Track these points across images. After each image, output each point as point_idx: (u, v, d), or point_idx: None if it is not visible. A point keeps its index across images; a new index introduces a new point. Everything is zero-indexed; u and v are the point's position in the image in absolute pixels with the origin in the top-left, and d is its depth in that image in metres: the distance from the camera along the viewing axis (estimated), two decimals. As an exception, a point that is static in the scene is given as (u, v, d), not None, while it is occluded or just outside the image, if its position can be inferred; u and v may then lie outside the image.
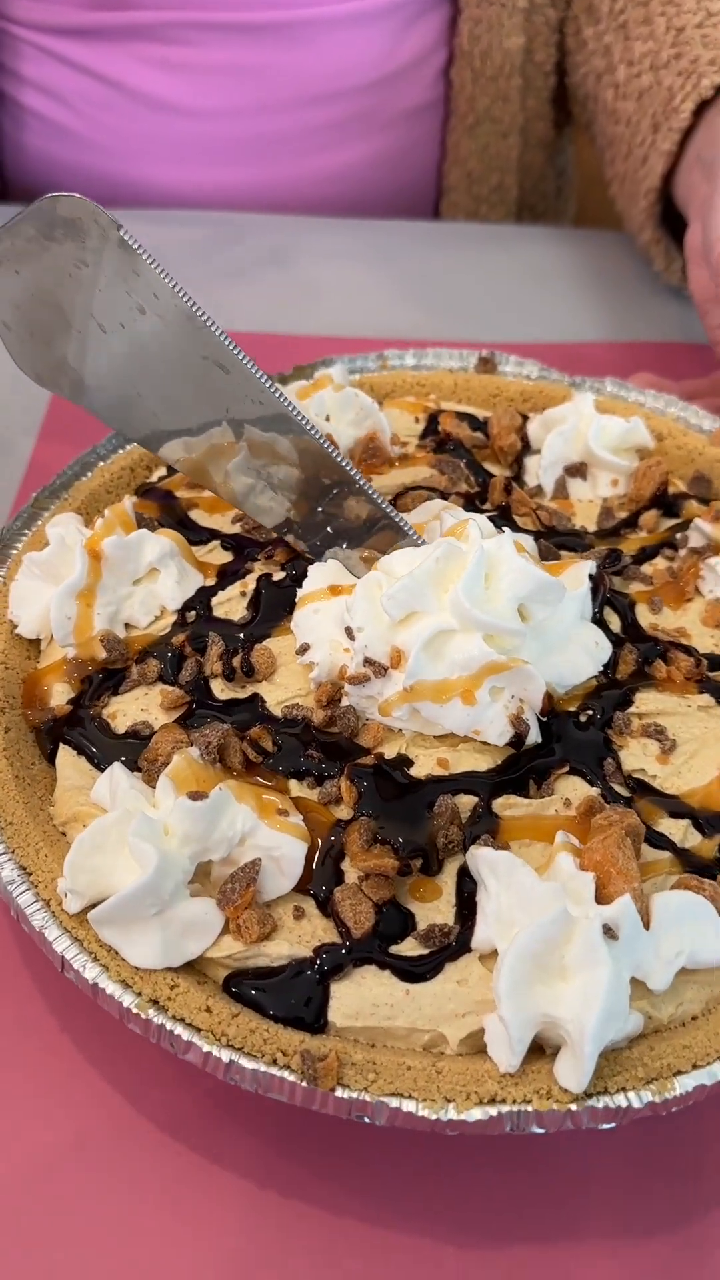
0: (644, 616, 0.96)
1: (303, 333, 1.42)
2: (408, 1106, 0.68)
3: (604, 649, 0.89)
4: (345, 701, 0.85)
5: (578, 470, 1.08)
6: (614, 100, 1.41)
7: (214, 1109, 0.76)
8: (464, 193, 1.67)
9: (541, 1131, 0.68)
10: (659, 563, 1.01)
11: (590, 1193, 0.75)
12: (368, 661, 0.84)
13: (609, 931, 0.70)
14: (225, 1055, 0.69)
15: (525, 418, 1.14)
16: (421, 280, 1.53)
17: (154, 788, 0.80)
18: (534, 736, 0.84)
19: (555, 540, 1.01)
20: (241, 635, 0.91)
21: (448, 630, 0.83)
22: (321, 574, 0.91)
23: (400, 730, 0.85)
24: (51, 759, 0.88)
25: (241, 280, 1.52)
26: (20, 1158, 0.75)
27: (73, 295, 0.88)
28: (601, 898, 0.72)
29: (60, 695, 0.90)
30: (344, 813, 0.81)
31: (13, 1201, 0.73)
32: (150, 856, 0.72)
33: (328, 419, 1.08)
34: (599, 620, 0.92)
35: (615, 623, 0.94)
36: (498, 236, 1.63)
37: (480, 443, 1.13)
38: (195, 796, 0.75)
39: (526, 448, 1.12)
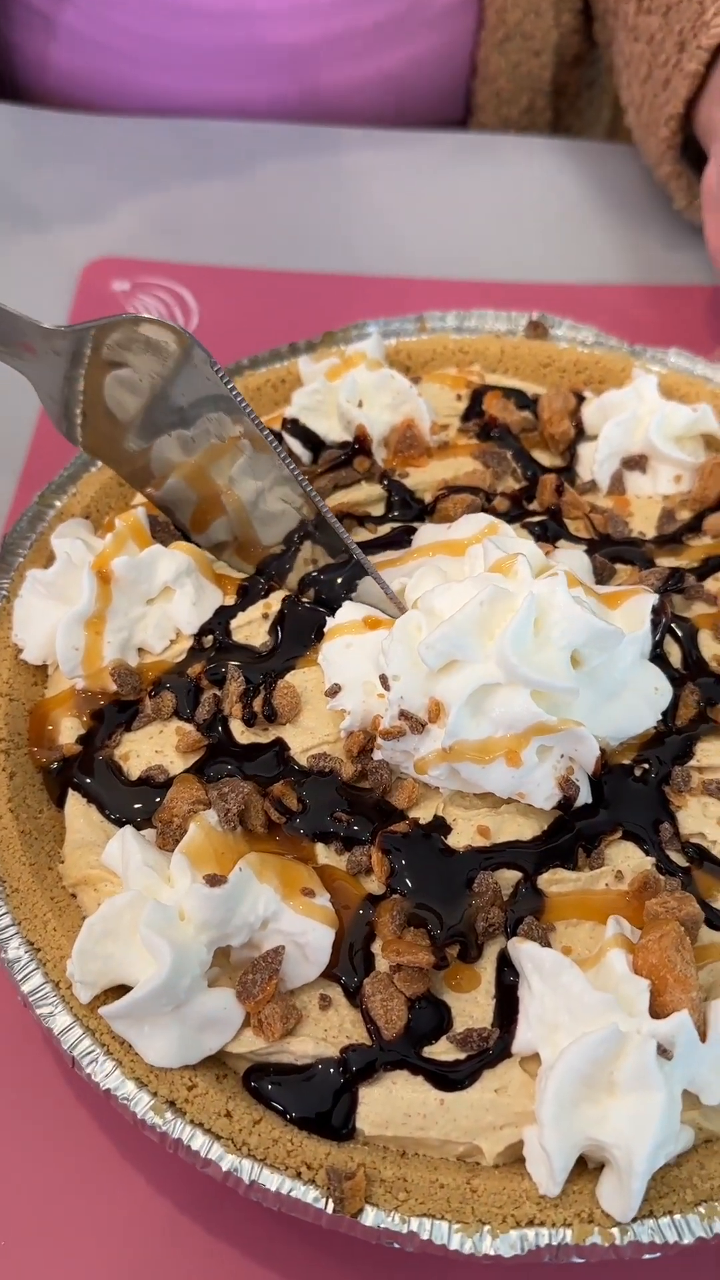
0: (707, 646, 0.89)
1: (330, 268, 1.32)
2: (440, 1229, 0.65)
3: (664, 694, 0.83)
4: (378, 754, 0.80)
5: (637, 463, 1.01)
6: (636, 14, 1.27)
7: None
8: (492, 113, 1.54)
9: (581, 1261, 0.65)
10: (725, 577, 0.94)
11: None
12: (404, 715, 0.78)
13: (663, 1051, 0.66)
14: (247, 1173, 0.66)
15: (580, 398, 1.05)
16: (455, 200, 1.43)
17: (168, 851, 0.76)
18: (584, 797, 0.79)
19: (610, 551, 0.94)
20: (262, 670, 0.86)
21: (491, 684, 0.77)
22: (355, 607, 0.85)
23: (438, 789, 0.79)
24: (60, 803, 0.84)
25: (263, 199, 1.43)
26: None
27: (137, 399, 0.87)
28: (656, 1005, 0.68)
29: (69, 732, 0.86)
30: (374, 886, 0.76)
31: None
32: (165, 953, 0.68)
33: (360, 404, 1.00)
34: (658, 656, 0.86)
35: (675, 655, 0.88)
36: (538, 150, 1.50)
37: (529, 425, 1.04)
38: (214, 881, 0.71)
39: (580, 434, 1.03)
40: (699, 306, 1.32)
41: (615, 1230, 0.65)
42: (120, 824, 0.80)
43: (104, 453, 0.93)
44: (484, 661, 0.78)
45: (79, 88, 1.54)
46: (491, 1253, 0.64)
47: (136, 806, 0.81)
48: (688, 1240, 0.65)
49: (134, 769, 0.83)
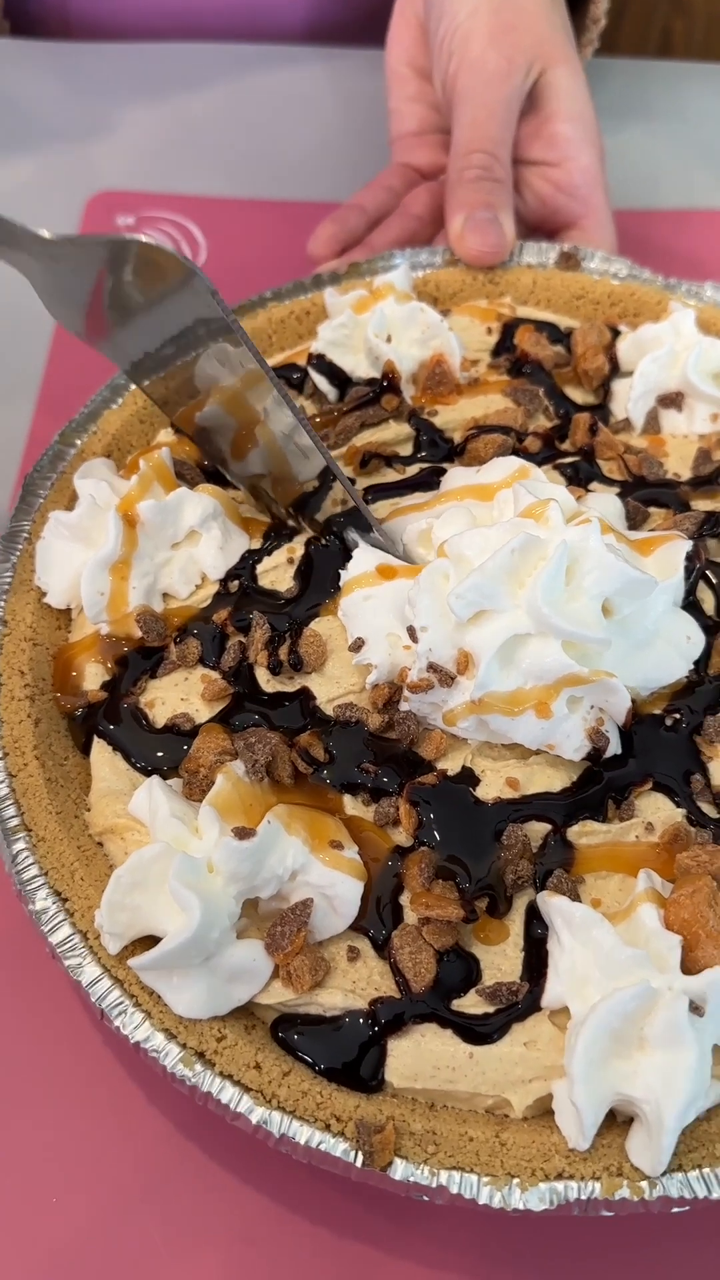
0: (742, 592, 0.86)
1: (343, 197, 1.27)
2: (469, 1182, 0.65)
3: (696, 643, 0.81)
4: (405, 706, 0.78)
5: (673, 401, 0.97)
6: None
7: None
8: None
9: (610, 1215, 0.64)
10: (761, 520, 0.91)
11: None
12: (432, 667, 0.76)
13: (695, 1008, 0.65)
14: (276, 1125, 0.66)
15: (615, 333, 1.01)
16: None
17: (195, 800, 0.74)
18: (614, 748, 0.77)
19: (644, 494, 0.91)
20: (288, 617, 0.83)
21: (522, 635, 0.75)
22: (367, 554, 0.82)
23: (465, 739, 0.78)
24: (85, 750, 0.82)
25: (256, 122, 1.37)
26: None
27: (137, 310, 0.82)
28: (687, 961, 0.67)
29: (94, 678, 0.84)
30: (402, 838, 0.75)
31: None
32: (194, 906, 0.67)
33: (389, 339, 0.97)
34: (690, 603, 0.83)
35: (709, 602, 0.85)
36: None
37: (562, 360, 1.01)
38: (242, 834, 0.70)
39: (615, 369, 1.00)
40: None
41: (644, 1184, 0.64)
42: (146, 772, 0.79)
43: (134, 365, 0.90)
44: (514, 611, 0.76)
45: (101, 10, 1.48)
46: (521, 1206, 0.64)
47: (162, 754, 0.80)
48: (716, 1195, 0.64)
49: (159, 716, 0.82)
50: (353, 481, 0.93)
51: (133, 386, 0.98)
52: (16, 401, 1.14)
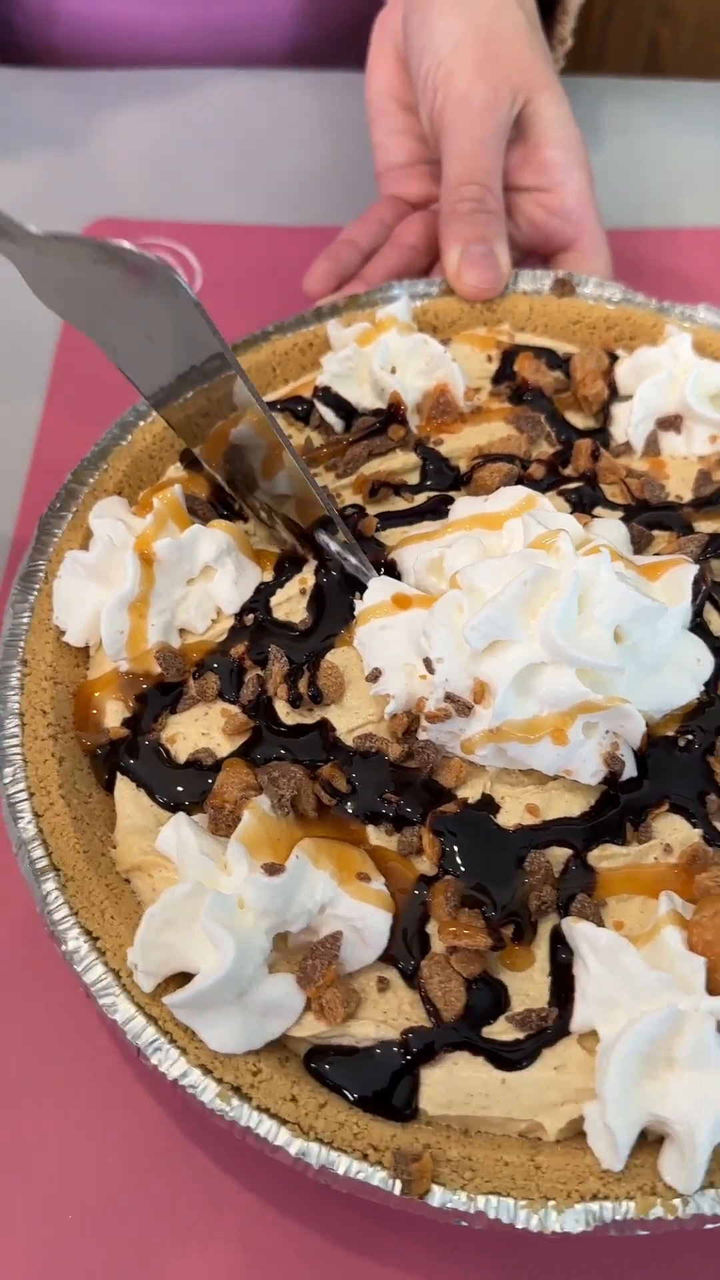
0: (747, 611, 0.87)
1: (336, 222, 1.27)
2: (506, 1206, 0.65)
3: (706, 665, 0.81)
4: (423, 735, 0.78)
5: (672, 423, 0.97)
6: None
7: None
8: None
9: (646, 1234, 0.65)
10: (763, 539, 0.91)
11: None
12: (449, 697, 0.76)
13: (721, 1028, 0.65)
14: (315, 1157, 0.66)
15: (613, 358, 1.01)
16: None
17: (222, 837, 0.75)
18: (629, 771, 0.77)
19: (647, 517, 0.92)
20: (305, 649, 0.84)
21: (537, 664, 0.75)
22: (382, 584, 0.83)
23: (484, 766, 0.78)
24: (109, 787, 0.82)
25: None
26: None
27: (134, 309, 0.80)
28: (712, 982, 0.68)
29: (114, 715, 0.84)
30: (426, 867, 0.75)
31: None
32: (228, 944, 0.67)
33: (394, 371, 0.97)
34: (698, 625, 0.83)
35: (716, 623, 0.85)
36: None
37: (562, 385, 1.01)
38: (272, 870, 0.70)
39: (614, 394, 1.00)
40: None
41: (678, 1202, 0.65)
42: (170, 808, 0.79)
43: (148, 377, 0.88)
44: (528, 641, 0.76)
45: (87, 35, 1.48)
46: (559, 1229, 0.64)
47: (185, 789, 0.80)
48: (750, 1211, 0.64)
49: (181, 752, 0.82)
50: (361, 510, 0.93)
51: (140, 423, 0.98)
52: (26, 400, 1.14)
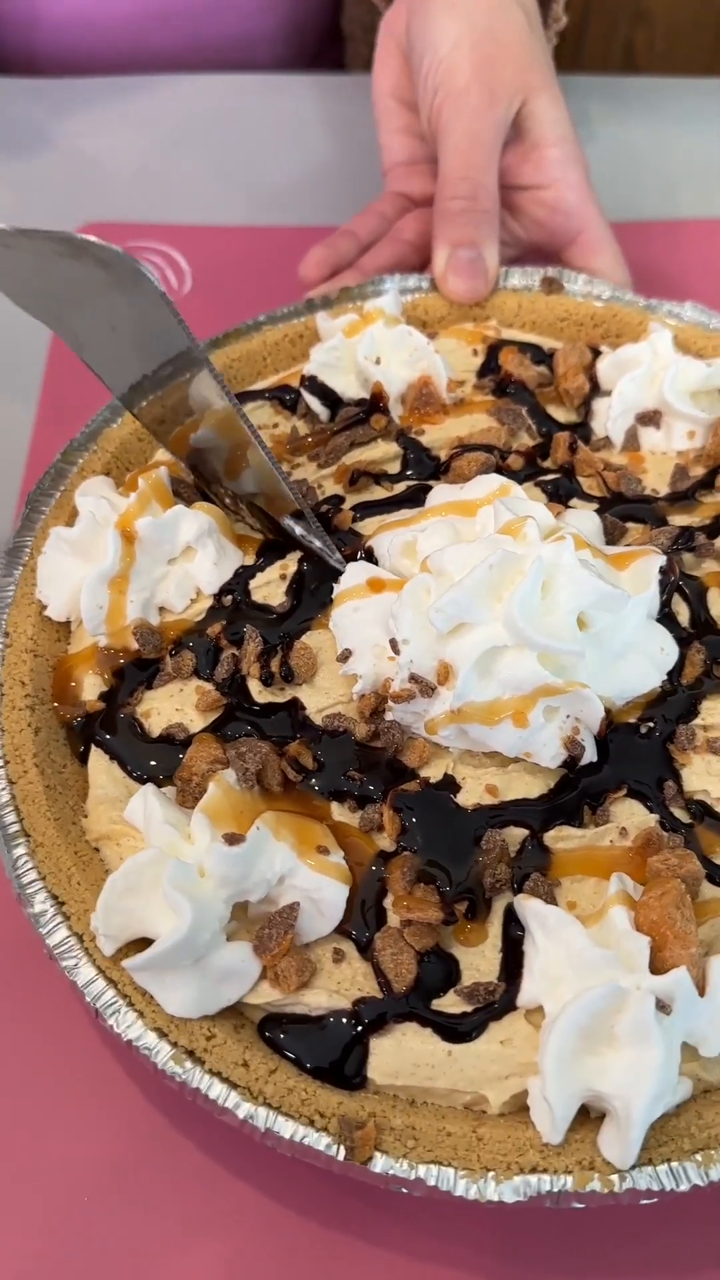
0: (715, 604, 0.87)
1: (323, 221, 1.27)
2: (446, 1175, 0.65)
3: (670, 654, 0.81)
4: (389, 715, 0.78)
5: (651, 419, 0.97)
6: None
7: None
8: (363, 41, 1.48)
9: (581, 1207, 0.65)
10: (735, 535, 0.91)
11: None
12: (413, 678, 0.77)
13: (662, 1006, 0.65)
14: (262, 1120, 0.66)
15: (596, 353, 1.01)
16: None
17: (188, 808, 0.75)
18: (589, 755, 0.77)
19: (622, 509, 0.92)
20: (280, 630, 0.84)
21: (499, 647, 0.75)
22: (359, 568, 0.83)
23: (448, 748, 0.78)
24: (83, 759, 0.83)
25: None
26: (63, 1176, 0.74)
27: (99, 302, 0.80)
28: (656, 961, 0.67)
29: (91, 689, 0.85)
30: (386, 843, 0.75)
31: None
32: (186, 909, 0.68)
33: (378, 361, 0.97)
34: (666, 615, 0.83)
35: (684, 614, 0.85)
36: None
37: (545, 380, 1.01)
38: (232, 840, 0.70)
39: (595, 389, 1.00)
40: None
41: (614, 1177, 0.65)
42: (142, 780, 0.79)
43: (124, 385, 0.89)
44: (492, 624, 0.76)
45: (69, 42, 1.48)
46: (495, 1198, 0.64)
47: (157, 763, 0.80)
48: (684, 1187, 0.64)
49: (155, 727, 0.82)
50: (340, 499, 0.93)
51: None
52: (20, 399, 1.14)
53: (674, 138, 1.41)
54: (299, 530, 0.87)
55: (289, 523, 0.88)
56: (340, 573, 0.85)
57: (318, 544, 0.86)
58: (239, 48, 1.52)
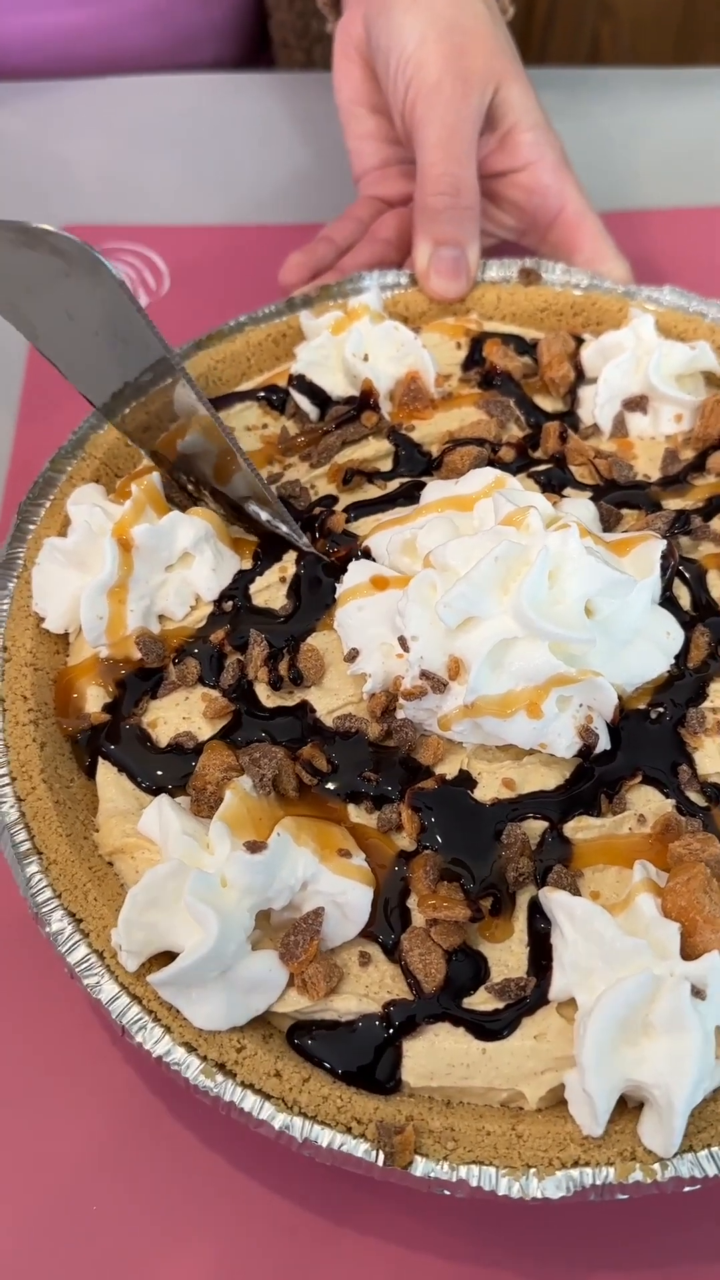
0: (715, 586, 0.86)
1: (298, 219, 1.25)
2: (488, 1175, 0.63)
3: (676, 638, 0.80)
4: (401, 714, 0.77)
5: (637, 404, 0.96)
6: None
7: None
8: (296, 47, 1.47)
9: (625, 1198, 0.63)
10: (730, 515, 0.90)
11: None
12: (424, 675, 0.75)
13: (697, 992, 0.64)
14: (299, 1131, 0.64)
15: (579, 341, 0.99)
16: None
17: (203, 818, 0.73)
18: (603, 744, 0.76)
19: (616, 496, 0.90)
20: (285, 633, 0.82)
21: (510, 639, 0.74)
22: (362, 566, 0.81)
23: (461, 743, 0.76)
24: (90, 773, 0.80)
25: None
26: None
27: (55, 289, 0.78)
28: (686, 947, 0.66)
29: (95, 701, 0.82)
30: (406, 843, 0.74)
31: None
32: (211, 921, 0.65)
33: (366, 358, 0.95)
34: (667, 599, 0.82)
35: (685, 598, 0.84)
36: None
37: (530, 370, 0.99)
38: (254, 848, 0.68)
39: (580, 377, 0.98)
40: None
41: (657, 1166, 0.63)
42: (153, 792, 0.77)
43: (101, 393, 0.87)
44: (501, 616, 0.74)
45: (33, 47, 1.45)
46: (539, 1195, 0.62)
47: (167, 773, 0.78)
48: (729, 1172, 0.63)
49: (162, 736, 0.80)
50: (334, 500, 0.91)
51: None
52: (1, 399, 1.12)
53: (640, 129, 1.40)
54: (264, 515, 0.85)
55: (254, 508, 0.85)
56: (311, 556, 0.84)
57: (284, 528, 0.85)
58: (177, 49, 1.49)
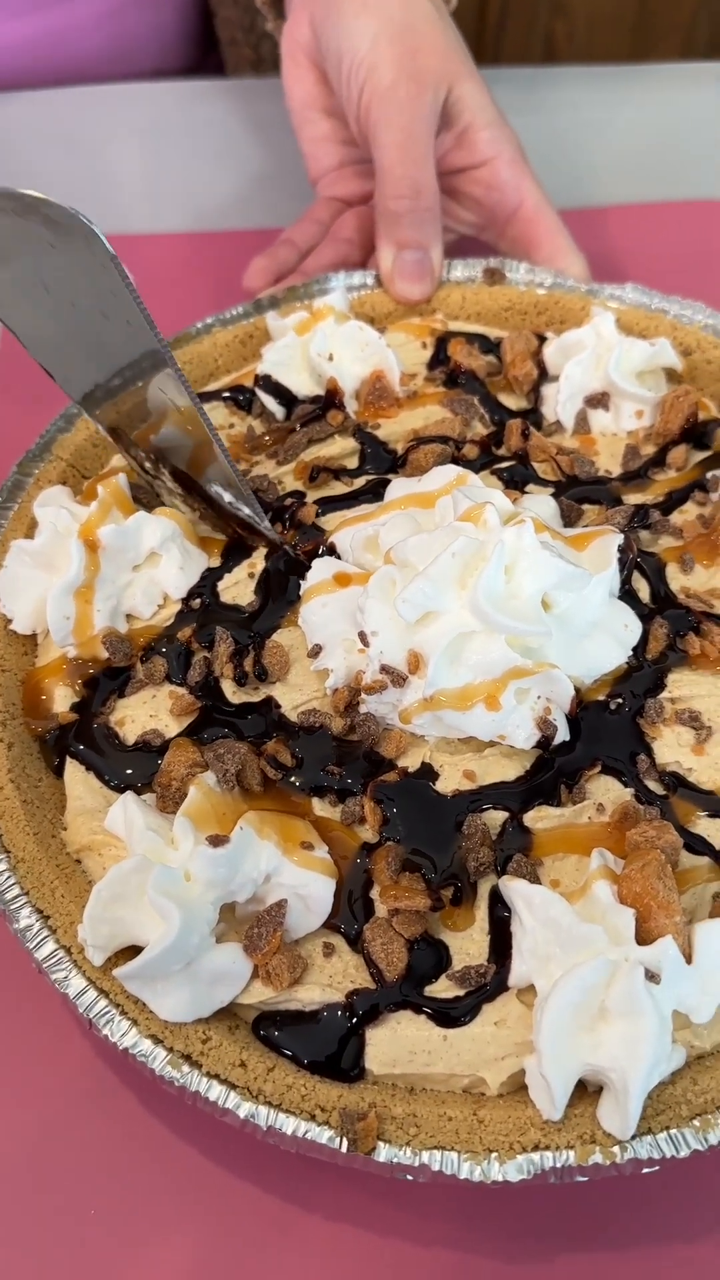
0: (675, 579, 0.87)
1: (257, 224, 1.25)
2: (450, 1160, 0.64)
3: (633, 631, 0.81)
4: (364, 708, 0.77)
5: (599, 401, 0.97)
6: None
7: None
8: (244, 43, 1.47)
9: (584, 1180, 0.64)
10: (689, 509, 0.91)
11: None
12: (385, 669, 0.76)
13: (651, 976, 0.64)
14: (264, 1119, 0.65)
15: (541, 339, 1.00)
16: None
17: (169, 814, 0.73)
18: (562, 735, 0.77)
19: (577, 492, 0.91)
20: (251, 630, 0.83)
21: (467, 632, 0.74)
22: (325, 564, 0.82)
23: (424, 736, 0.77)
24: (58, 772, 0.81)
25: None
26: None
27: (34, 259, 0.77)
28: (642, 932, 0.67)
29: (63, 701, 0.83)
30: (369, 835, 0.74)
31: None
32: (173, 915, 0.66)
33: (331, 358, 0.96)
34: (627, 593, 0.83)
35: (644, 591, 0.85)
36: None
37: (494, 369, 1.00)
38: (216, 841, 0.69)
39: (544, 375, 0.99)
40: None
41: (615, 1149, 0.64)
42: (120, 790, 0.78)
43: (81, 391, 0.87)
44: (459, 611, 0.75)
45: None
46: (500, 1178, 0.63)
47: (135, 771, 0.79)
48: (684, 1153, 0.64)
49: (130, 734, 0.80)
50: (302, 494, 0.92)
51: (84, 415, 0.96)
52: None
53: (597, 126, 1.41)
54: (227, 497, 0.85)
55: (216, 489, 0.86)
56: (275, 542, 0.84)
57: (246, 511, 0.85)
58: (126, 57, 1.50)
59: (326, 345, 0.96)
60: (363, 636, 0.77)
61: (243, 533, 0.88)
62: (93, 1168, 0.73)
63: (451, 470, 0.84)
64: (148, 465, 0.90)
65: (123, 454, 0.90)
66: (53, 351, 0.84)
